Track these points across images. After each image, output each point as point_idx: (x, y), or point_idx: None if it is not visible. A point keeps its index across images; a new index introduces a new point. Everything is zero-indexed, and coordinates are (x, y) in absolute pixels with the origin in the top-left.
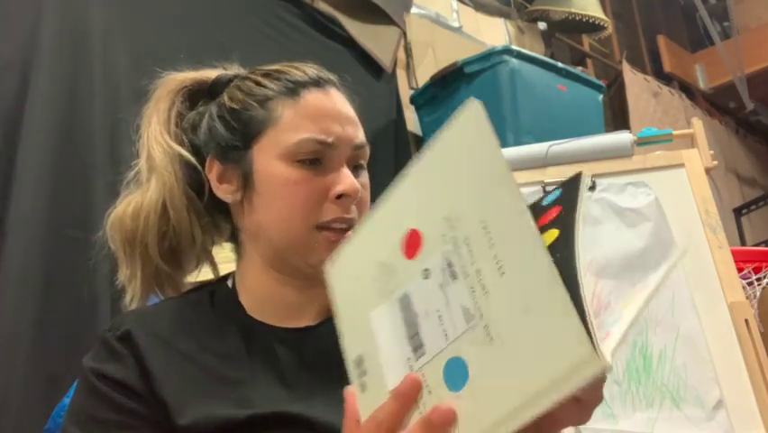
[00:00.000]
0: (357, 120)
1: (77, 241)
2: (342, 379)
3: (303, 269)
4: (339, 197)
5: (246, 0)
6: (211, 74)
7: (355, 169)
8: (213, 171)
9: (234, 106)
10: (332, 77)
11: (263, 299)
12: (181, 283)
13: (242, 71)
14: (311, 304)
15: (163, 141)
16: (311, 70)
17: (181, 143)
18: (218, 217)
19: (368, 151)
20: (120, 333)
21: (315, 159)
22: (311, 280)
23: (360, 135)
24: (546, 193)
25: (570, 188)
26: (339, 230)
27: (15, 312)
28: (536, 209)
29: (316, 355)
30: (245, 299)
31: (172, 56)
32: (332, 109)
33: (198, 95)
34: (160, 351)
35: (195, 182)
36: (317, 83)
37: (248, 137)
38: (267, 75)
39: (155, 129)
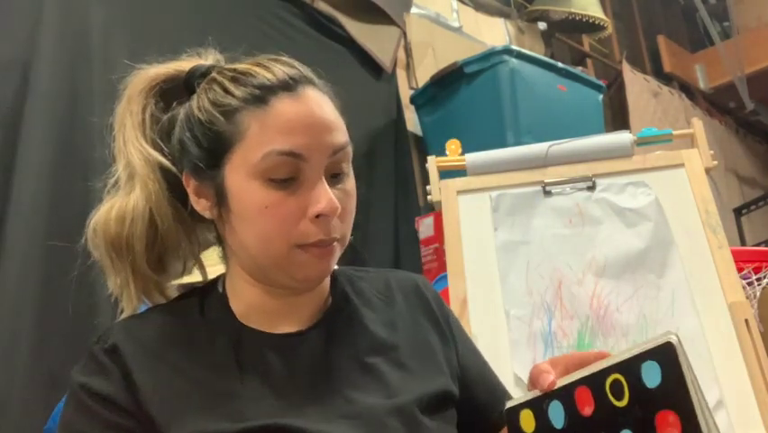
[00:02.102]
0: (335, 122)
1: (76, 240)
2: (334, 387)
3: (288, 283)
4: (317, 216)
5: (246, 0)
6: (185, 65)
7: (336, 177)
8: (190, 186)
9: (201, 118)
10: (307, 73)
11: (251, 306)
12: (169, 288)
13: (219, 58)
14: (298, 311)
15: (141, 147)
16: (281, 71)
17: (159, 148)
18: (204, 224)
19: (349, 152)
20: (107, 346)
21: (288, 178)
22: (297, 290)
23: (337, 138)
24: (638, 362)
25: (669, 367)
26: (323, 244)
27: (15, 312)
28: (642, 393)
29: (308, 362)
30: (235, 305)
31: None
32: (303, 117)
33: (172, 92)
34: (149, 363)
35: (178, 189)
36: (287, 86)
37: (217, 156)
38: (234, 79)
39: (131, 133)
